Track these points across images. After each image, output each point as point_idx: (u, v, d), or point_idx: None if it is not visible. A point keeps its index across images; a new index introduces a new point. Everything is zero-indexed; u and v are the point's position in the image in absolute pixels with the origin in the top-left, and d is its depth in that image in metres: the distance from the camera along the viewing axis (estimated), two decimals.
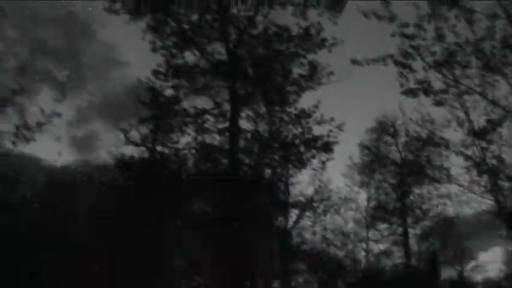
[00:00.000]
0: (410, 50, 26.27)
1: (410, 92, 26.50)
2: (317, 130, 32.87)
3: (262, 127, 33.47)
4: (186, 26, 31.48)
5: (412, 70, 26.47)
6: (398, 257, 46.66)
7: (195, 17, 31.54)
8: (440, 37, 25.98)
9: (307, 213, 41.31)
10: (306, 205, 39.70)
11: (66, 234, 32.34)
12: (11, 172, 23.59)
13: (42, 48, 22.88)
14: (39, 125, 20.87)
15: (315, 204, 40.95)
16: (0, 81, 22.64)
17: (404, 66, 26.40)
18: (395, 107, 43.75)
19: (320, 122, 32.80)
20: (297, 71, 32.42)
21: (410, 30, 26.22)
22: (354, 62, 27.29)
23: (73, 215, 34.43)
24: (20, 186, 26.86)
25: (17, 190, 26.47)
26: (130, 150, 33.76)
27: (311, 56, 32.25)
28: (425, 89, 26.42)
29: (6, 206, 25.94)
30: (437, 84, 26.46)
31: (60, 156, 26.04)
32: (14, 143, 20.82)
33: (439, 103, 26.95)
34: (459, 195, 40.62)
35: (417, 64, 26.39)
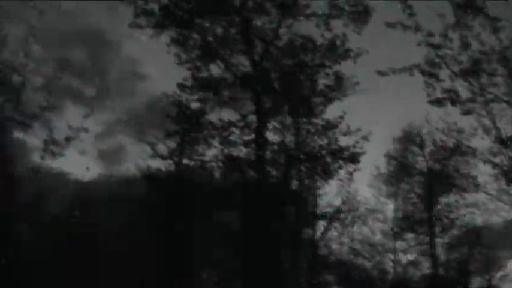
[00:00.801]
0: (436, 59, 26.14)
1: (437, 102, 26.34)
2: (343, 141, 32.84)
3: (289, 138, 33.45)
4: (210, 39, 31.69)
5: (438, 79, 26.33)
6: (426, 267, 46.26)
7: (219, 30, 31.77)
8: (466, 46, 25.82)
9: (335, 224, 41.15)
10: (333, 216, 39.54)
11: (96, 249, 32.56)
12: (39, 188, 23.76)
13: (68, 64, 23.00)
14: (67, 140, 21.06)
15: (342, 215, 40.77)
16: (28, 98, 22.85)
17: (430, 75, 26.27)
18: (421, 116, 43.41)
19: (346, 133, 32.73)
20: (322, 82, 32.53)
21: (436, 40, 26.09)
22: (380, 72, 27.24)
23: (102, 230, 34.62)
24: (49, 202, 27.06)
25: (46, 205, 26.67)
26: (157, 163, 33.92)
27: (336, 67, 32.39)
28: (452, 98, 26.23)
29: (36, 222, 26.17)
30: (464, 92, 26.28)
31: (88, 171, 26.24)
32: (42, 158, 21.06)
33: (466, 112, 26.74)
34: (487, 204, 40.59)
35: (444, 73, 26.25)
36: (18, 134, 23.91)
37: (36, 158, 24.64)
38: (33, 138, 23.75)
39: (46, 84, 23.50)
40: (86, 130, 21.21)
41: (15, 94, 22.84)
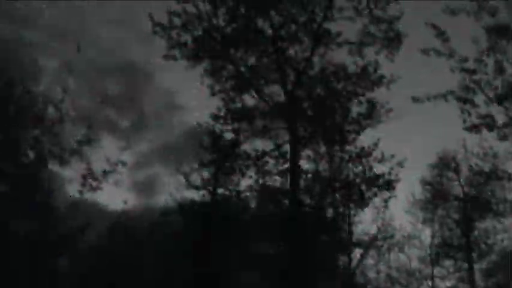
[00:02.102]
0: (471, 85, 26.03)
1: (473, 128, 26.17)
2: (378, 168, 32.67)
3: (323, 167, 33.39)
4: (243, 69, 31.92)
5: (473, 105, 26.19)
6: None
7: (252, 60, 32.00)
8: (500, 70, 25.70)
9: (371, 252, 40.78)
10: (369, 244, 39.18)
11: (135, 278, 32.68)
12: (77, 219, 23.95)
13: (105, 98, 23.32)
14: (105, 174, 21.28)
15: (378, 243, 40.40)
16: (65, 131, 23.14)
17: (465, 101, 26.15)
18: (456, 141, 43.15)
19: (381, 160, 32.56)
20: (355, 109, 32.50)
21: (470, 65, 26.01)
22: (414, 99, 27.21)
23: (140, 260, 34.75)
24: (87, 233, 27.23)
25: (84, 237, 26.85)
26: (192, 194, 33.99)
27: (369, 94, 32.35)
28: (489, 124, 26.04)
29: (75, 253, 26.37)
30: (500, 117, 26.10)
31: (126, 204, 26.56)
32: (80, 192, 21.30)
33: (503, 137, 26.52)
34: None
35: (479, 98, 26.12)
36: (55, 167, 24.14)
37: (72, 190, 24.92)
38: (70, 170, 23.98)
39: (83, 118, 23.84)
40: (124, 163, 21.44)
41: (53, 127, 23.16)
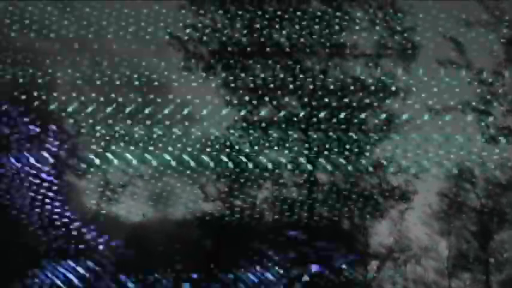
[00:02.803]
0: (488, 96, 25.92)
1: (491, 139, 26.05)
2: (394, 180, 32.58)
3: (339, 178, 33.27)
4: (259, 81, 31.97)
5: (491, 116, 26.09)
6: None
7: (268, 72, 32.03)
8: None
9: (387, 264, 40.60)
10: (386, 256, 39.05)
11: None
12: (95, 231, 24.06)
13: (122, 110, 23.46)
14: (123, 186, 21.35)
15: (395, 255, 40.24)
16: (83, 143, 23.25)
17: (483, 113, 26.04)
18: (473, 153, 42.92)
19: (397, 172, 32.46)
20: (372, 121, 32.41)
21: (487, 77, 25.91)
22: (431, 111, 27.13)
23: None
24: (105, 245, 27.33)
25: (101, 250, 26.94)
26: (208, 206, 34.00)
27: (385, 106, 32.27)
28: (506, 135, 25.93)
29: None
30: None
31: (144, 217, 26.70)
32: (98, 205, 21.37)
33: None
34: None
35: (496, 110, 26.02)
36: (72, 178, 24.25)
37: (89, 201, 25.03)
38: (87, 182, 24.09)
39: (100, 130, 23.96)
40: (141, 176, 21.48)
41: (70, 140, 23.27)
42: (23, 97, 25.90)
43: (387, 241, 39.27)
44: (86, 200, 25.36)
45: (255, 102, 31.89)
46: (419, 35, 31.84)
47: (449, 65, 26.76)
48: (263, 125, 31.89)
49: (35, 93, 25.68)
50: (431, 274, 46.23)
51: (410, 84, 31.99)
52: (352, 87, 31.83)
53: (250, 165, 32.09)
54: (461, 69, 26.20)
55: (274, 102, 31.95)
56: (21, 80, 26.41)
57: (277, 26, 31.45)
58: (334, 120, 31.90)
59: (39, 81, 27.16)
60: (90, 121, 24.02)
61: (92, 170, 22.03)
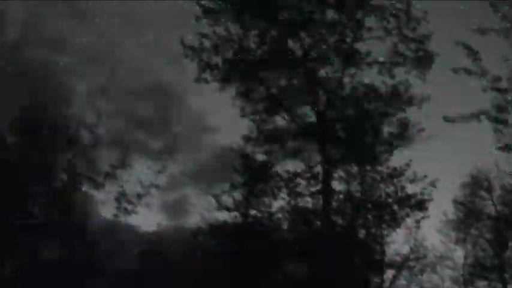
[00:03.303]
0: (504, 104, 25.77)
1: (506, 148, 25.92)
2: (410, 188, 32.46)
3: (355, 187, 33.22)
4: (274, 91, 32.03)
5: (506, 124, 25.92)
6: None
7: (283, 82, 32.10)
8: None
9: (403, 273, 40.38)
10: (402, 264, 38.83)
11: None
12: (111, 241, 24.11)
13: (138, 121, 23.52)
14: (139, 197, 21.40)
15: (411, 263, 40.01)
16: (98, 154, 23.34)
17: (498, 120, 25.89)
18: (488, 160, 42.71)
19: (413, 180, 32.35)
20: (386, 129, 32.37)
21: (503, 84, 25.78)
22: (446, 119, 27.00)
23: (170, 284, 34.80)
24: (121, 255, 27.45)
25: (119, 259, 27.04)
26: (223, 215, 34.00)
27: (400, 114, 32.22)
28: None
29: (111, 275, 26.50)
30: None
31: (159, 226, 26.68)
32: (115, 216, 21.44)
33: None
34: None
35: None
36: (88, 189, 24.31)
37: (105, 211, 25.07)
38: (103, 192, 24.12)
39: (116, 140, 24.07)
40: (157, 186, 21.53)
41: (86, 150, 23.37)
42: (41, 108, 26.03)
43: (403, 250, 39.04)
44: (101, 210, 25.43)
45: (270, 112, 31.97)
46: (434, 43, 31.85)
47: (464, 72, 26.53)
48: (278, 134, 31.96)
49: (53, 105, 25.81)
50: (448, 283, 46.05)
51: (425, 92, 31.99)
52: (367, 96, 31.78)
53: (266, 175, 32.17)
54: (476, 77, 26.01)
55: (290, 112, 32.00)
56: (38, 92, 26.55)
57: (291, 35, 31.46)
58: (349, 129, 31.90)
59: (56, 92, 27.33)
60: (107, 132, 24.08)
61: (109, 180, 22.04)
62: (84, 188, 23.47)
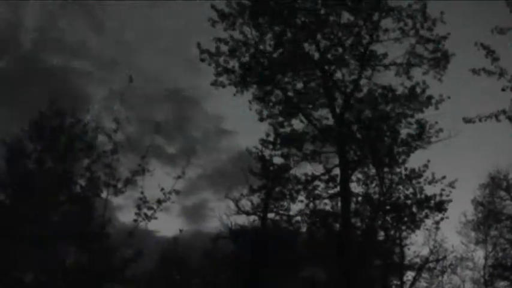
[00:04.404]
0: None
1: None
2: (429, 189, 32.31)
3: (373, 189, 33.13)
4: (291, 94, 32.04)
5: None
6: None
7: (300, 85, 32.10)
8: None
9: (423, 275, 40.24)
10: (422, 266, 38.69)
11: None
12: (132, 247, 24.07)
13: (158, 126, 23.45)
14: (159, 202, 21.34)
15: (430, 265, 39.88)
16: (118, 160, 23.34)
17: None
18: (507, 160, 42.51)
19: (432, 181, 32.19)
20: (404, 131, 32.25)
21: None
22: (466, 120, 26.84)
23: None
24: (141, 260, 27.43)
25: (139, 264, 27.01)
26: (242, 219, 34.06)
27: (418, 115, 32.10)
28: None
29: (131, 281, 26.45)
30: None
31: (181, 232, 26.54)
32: (135, 221, 21.38)
33: None
34: None
35: None
36: (107, 196, 24.30)
37: (122, 216, 25.09)
38: (122, 198, 24.12)
39: (134, 145, 24.04)
40: (178, 192, 21.44)
41: (105, 157, 23.37)
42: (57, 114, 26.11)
43: (423, 251, 38.90)
44: (119, 215, 25.50)
45: (287, 115, 31.96)
46: (451, 43, 31.70)
47: (483, 72, 26.34)
48: (296, 137, 31.93)
49: (70, 111, 25.86)
50: (468, 284, 45.84)
51: (442, 92, 31.82)
52: (384, 98, 31.68)
53: (284, 178, 32.14)
54: (494, 77, 25.81)
55: (307, 115, 31.99)
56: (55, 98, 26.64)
57: (307, 38, 31.46)
58: (367, 131, 31.82)
59: (73, 98, 27.43)
60: (125, 137, 24.08)
61: (128, 186, 22.00)
62: (103, 194, 23.39)
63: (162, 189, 21.10)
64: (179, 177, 21.62)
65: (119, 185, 21.66)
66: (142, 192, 21.36)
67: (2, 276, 23.47)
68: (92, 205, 24.10)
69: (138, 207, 21.25)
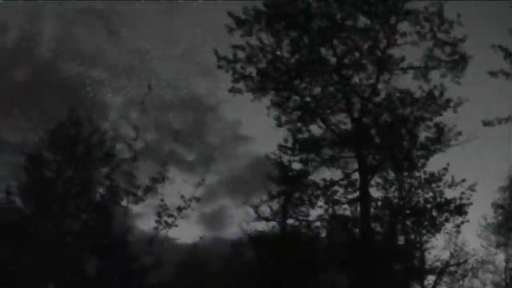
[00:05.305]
0: None
1: None
2: (449, 193, 32.16)
3: (392, 194, 33.01)
4: (309, 99, 32.00)
5: None
6: None
7: (317, 90, 32.06)
8: None
9: (444, 279, 39.97)
10: (442, 270, 38.44)
11: None
12: (152, 254, 24.12)
13: (173, 132, 23.52)
14: (179, 209, 21.39)
15: (451, 269, 39.60)
16: (137, 168, 23.40)
17: None
18: None
19: (451, 185, 32.04)
20: (423, 134, 32.15)
21: None
22: (485, 123, 26.79)
23: None
24: (161, 267, 27.47)
25: (159, 271, 27.04)
26: (261, 225, 33.97)
27: (437, 118, 31.98)
28: None
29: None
30: None
31: (201, 239, 26.70)
32: (156, 228, 21.46)
33: None
34: None
35: None
36: (127, 203, 24.35)
37: (142, 223, 25.12)
38: (141, 205, 24.18)
39: (154, 154, 24.11)
40: (198, 199, 21.51)
41: (125, 164, 23.44)
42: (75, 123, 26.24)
43: (443, 255, 38.65)
44: (142, 224, 25.49)
45: (305, 120, 31.93)
46: (468, 45, 31.59)
47: (501, 74, 26.29)
48: (314, 143, 31.89)
49: (88, 119, 25.98)
50: (489, 287, 45.48)
51: (461, 95, 31.69)
52: (402, 101, 31.58)
53: (303, 184, 32.09)
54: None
55: (325, 120, 31.96)
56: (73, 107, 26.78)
57: (324, 43, 31.43)
58: (385, 135, 31.74)
59: (92, 107, 27.51)
60: (143, 144, 24.14)
61: (148, 194, 22.07)
62: (123, 202, 23.47)
63: (182, 196, 21.28)
64: (199, 184, 21.79)
65: (139, 193, 21.83)
66: (162, 200, 21.54)
67: (23, 284, 23.64)
68: (112, 213, 24.16)
69: (159, 214, 21.39)
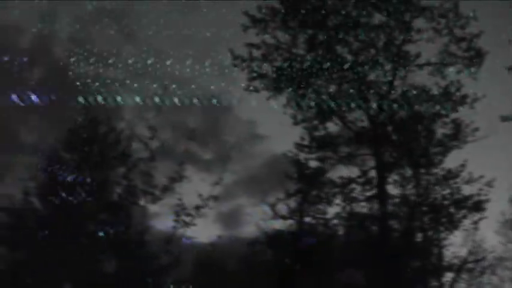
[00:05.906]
0: None
1: None
2: (466, 189, 31.99)
3: (410, 191, 32.86)
4: (325, 97, 31.92)
5: None
6: None
7: (333, 87, 31.99)
8: None
9: (462, 276, 39.76)
10: (461, 267, 38.24)
11: None
12: (169, 253, 24.16)
13: (189, 132, 23.61)
14: (197, 208, 21.46)
15: (469, 266, 39.39)
16: (155, 168, 23.47)
17: None
18: None
19: (469, 181, 31.87)
20: (440, 130, 32.02)
21: None
22: (503, 118, 26.65)
23: None
24: (178, 267, 27.50)
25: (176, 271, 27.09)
26: (278, 224, 33.91)
27: (453, 115, 31.86)
28: None
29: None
30: None
31: (220, 238, 26.82)
32: (174, 227, 21.54)
33: None
34: None
35: None
36: (145, 203, 24.43)
37: (159, 223, 25.18)
38: (158, 206, 24.24)
39: (170, 153, 24.19)
40: (216, 198, 21.56)
41: (142, 164, 23.51)
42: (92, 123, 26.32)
43: (461, 252, 38.45)
44: (159, 224, 25.55)
45: (322, 118, 31.88)
46: (485, 40, 31.46)
47: None
48: (331, 141, 31.86)
49: (104, 119, 26.07)
50: (508, 285, 45.18)
51: (477, 91, 31.56)
52: (418, 98, 31.47)
53: (320, 181, 32.05)
54: None
55: (341, 117, 31.90)
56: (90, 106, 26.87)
57: (340, 41, 31.39)
58: (402, 132, 31.66)
59: (107, 107, 27.62)
60: (159, 144, 24.22)
61: (165, 194, 22.16)
62: (141, 202, 23.56)
63: (200, 195, 21.35)
64: (217, 183, 21.83)
65: (157, 192, 21.91)
66: (180, 199, 21.62)
67: (40, 285, 23.74)
68: (130, 213, 24.23)
69: (177, 214, 21.49)
